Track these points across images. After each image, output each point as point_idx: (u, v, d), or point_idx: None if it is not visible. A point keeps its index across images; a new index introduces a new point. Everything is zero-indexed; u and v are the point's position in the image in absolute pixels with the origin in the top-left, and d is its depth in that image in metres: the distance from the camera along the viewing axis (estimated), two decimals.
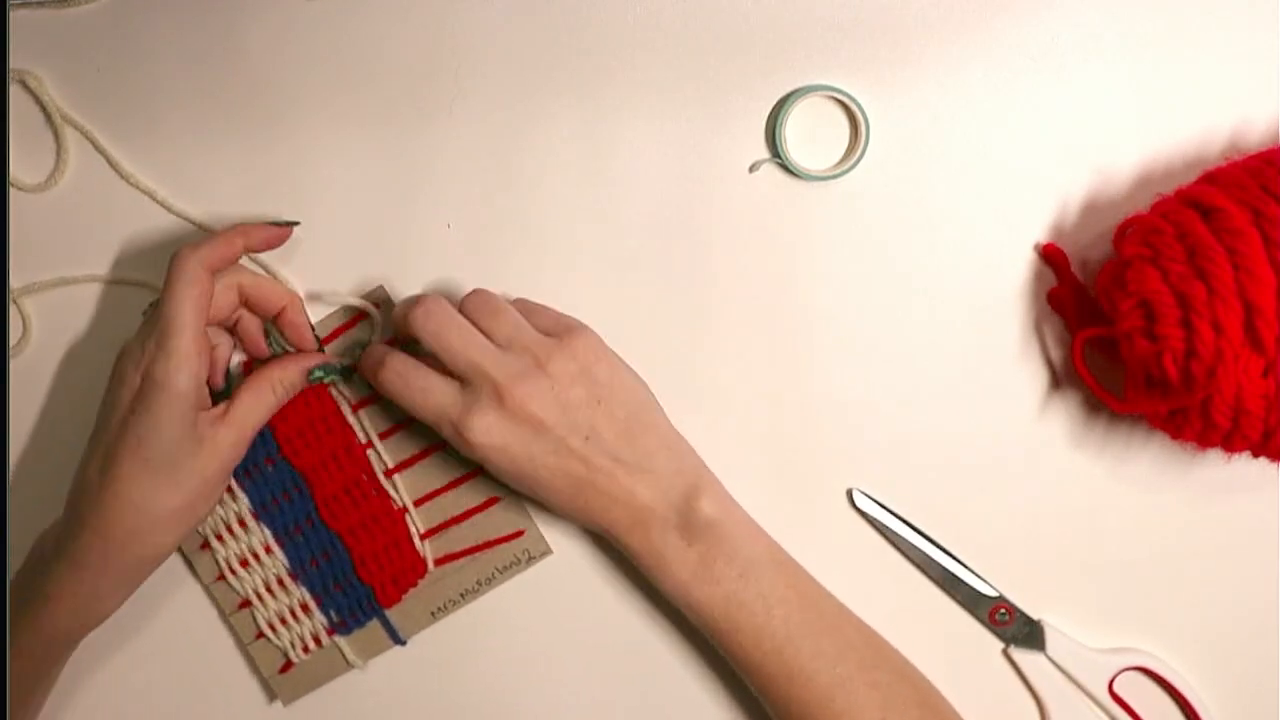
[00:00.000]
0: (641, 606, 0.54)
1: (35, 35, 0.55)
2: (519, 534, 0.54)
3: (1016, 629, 0.53)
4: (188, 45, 0.55)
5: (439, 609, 0.54)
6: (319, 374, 0.52)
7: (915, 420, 0.54)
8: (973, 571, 0.53)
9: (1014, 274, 0.53)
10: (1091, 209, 0.53)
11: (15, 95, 0.54)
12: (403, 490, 0.54)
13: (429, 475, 0.54)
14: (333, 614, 0.54)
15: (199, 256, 0.48)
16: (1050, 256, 0.53)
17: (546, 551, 0.54)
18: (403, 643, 0.54)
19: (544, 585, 0.54)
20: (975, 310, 0.53)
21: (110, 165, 0.54)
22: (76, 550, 0.48)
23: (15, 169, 0.55)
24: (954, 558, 0.53)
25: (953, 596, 0.53)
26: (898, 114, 0.53)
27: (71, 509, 0.49)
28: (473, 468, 0.54)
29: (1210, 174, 0.48)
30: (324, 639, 0.54)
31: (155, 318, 0.48)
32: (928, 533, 0.53)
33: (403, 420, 0.54)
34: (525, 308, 0.52)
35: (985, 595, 0.53)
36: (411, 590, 0.54)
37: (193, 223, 0.54)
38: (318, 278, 0.54)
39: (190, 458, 0.48)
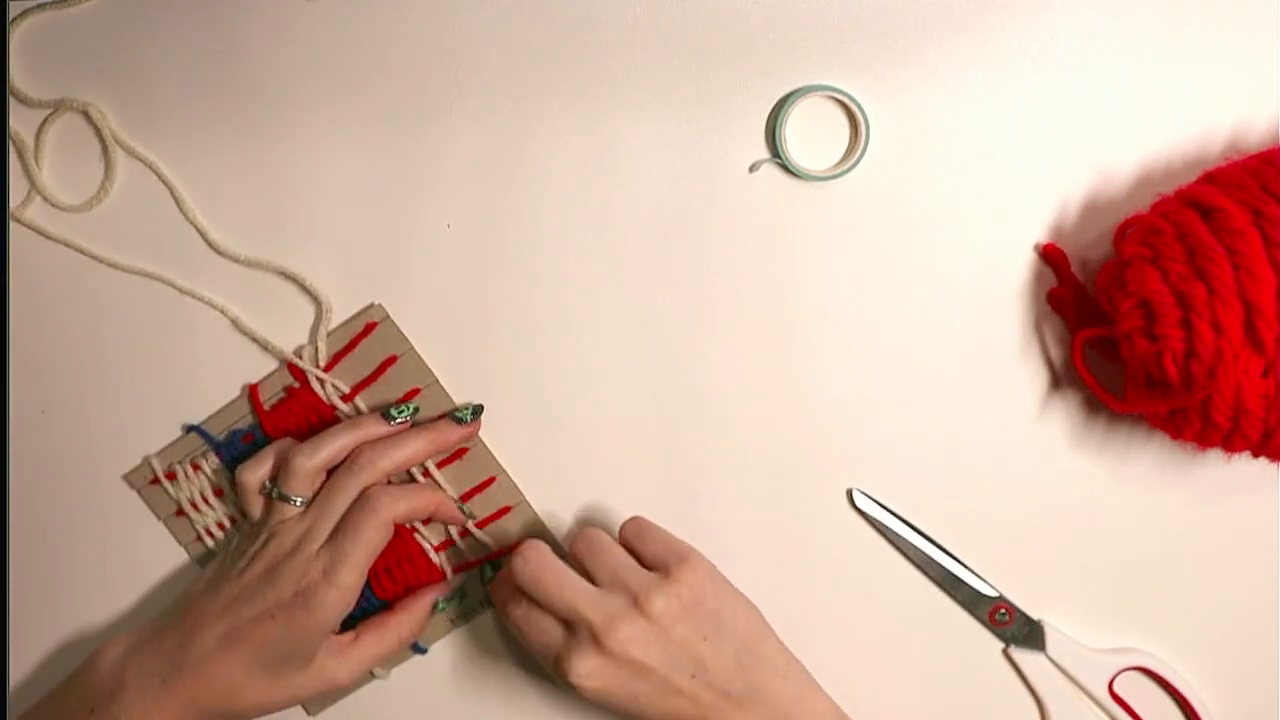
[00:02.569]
0: None
1: (35, 35, 0.55)
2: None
3: (1016, 629, 0.53)
4: (187, 45, 0.55)
5: (457, 617, 0.55)
6: (441, 606, 0.54)
7: (915, 420, 0.53)
8: (973, 571, 0.53)
9: (1014, 274, 0.53)
10: (1091, 209, 0.53)
11: (79, 125, 0.55)
12: None
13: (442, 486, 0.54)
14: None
15: (397, 511, 0.50)
16: (1050, 256, 0.53)
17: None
18: (423, 651, 0.55)
19: None
20: (975, 310, 0.53)
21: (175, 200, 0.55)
22: (163, 691, 0.48)
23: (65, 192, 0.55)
24: (954, 558, 0.53)
25: (953, 596, 0.53)
26: (898, 114, 0.53)
27: (173, 650, 0.49)
28: (482, 479, 0.54)
29: (1210, 174, 0.48)
30: None
31: (328, 535, 0.50)
32: (928, 533, 0.53)
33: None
34: (637, 531, 0.51)
35: (985, 595, 0.53)
36: None
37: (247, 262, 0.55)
38: (317, 278, 0.54)
39: (298, 673, 0.49)
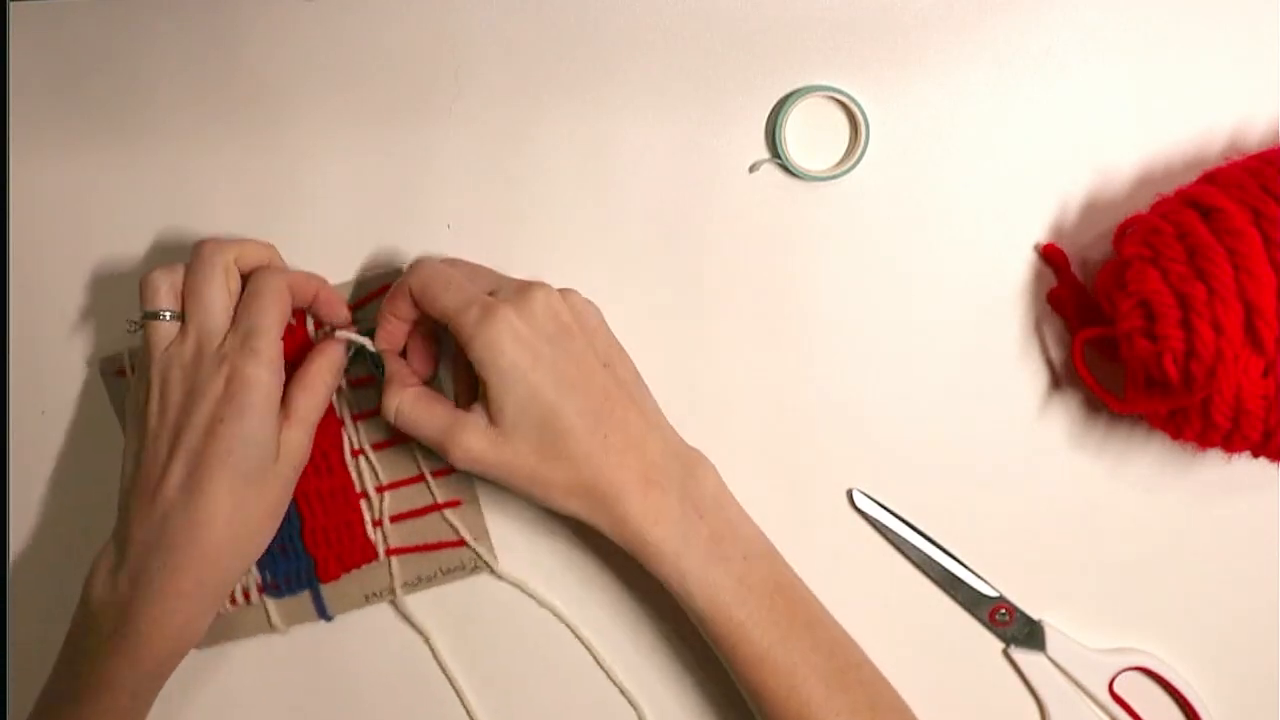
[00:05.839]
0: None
1: (35, 33, 0.55)
2: (473, 540, 0.54)
3: (1016, 629, 0.53)
4: (187, 45, 0.55)
5: (373, 595, 0.54)
6: (353, 348, 0.52)
7: (915, 420, 0.53)
8: (973, 571, 0.53)
9: (1014, 274, 0.53)
10: (1091, 209, 0.53)
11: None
12: (366, 473, 0.54)
13: (399, 463, 0.54)
14: (268, 574, 0.53)
15: (286, 279, 0.49)
16: (1050, 256, 0.53)
17: (493, 565, 0.54)
18: (329, 618, 0.54)
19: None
20: (975, 310, 0.53)
21: None
22: (168, 579, 0.46)
23: None
24: (954, 558, 0.53)
25: (953, 596, 0.53)
26: (898, 114, 0.53)
27: (150, 534, 0.47)
28: (444, 464, 0.52)
29: (1210, 174, 0.48)
30: (254, 595, 0.53)
31: (229, 326, 0.48)
32: (928, 533, 0.53)
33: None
34: None
35: (985, 595, 0.53)
36: (354, 570, 0.54)
37: None
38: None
39: (273, 462, 0.48)
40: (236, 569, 0.48)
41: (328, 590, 0.54)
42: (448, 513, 0.54)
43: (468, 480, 0.54)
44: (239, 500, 0.47)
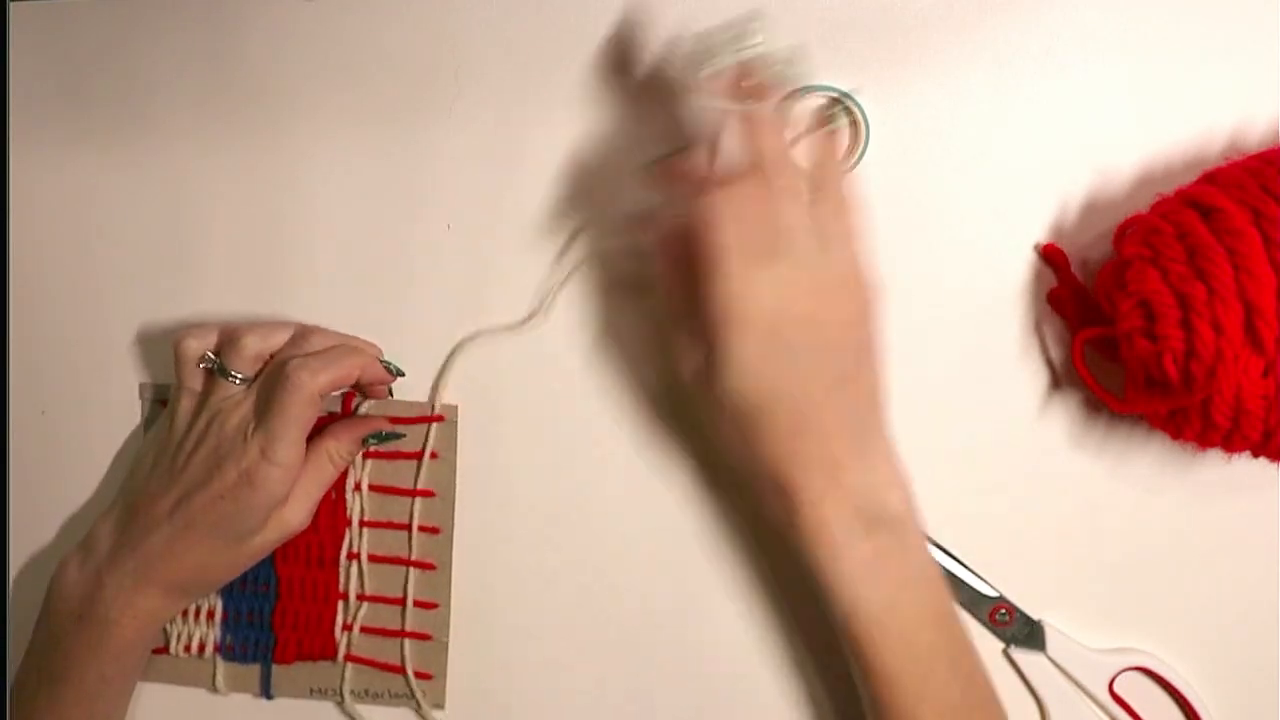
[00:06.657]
0: None
1: (35, 33, 0.55)
2: (427, 676, 0.54)
3: (1016, 629, 0.53)
4: (188, 45, 0.55)
5: (317, 690, 0.55)
6: (373, 441, 0.53)
7: (915, 420, 0.53)
8: (973, 571, 0.53)
9: (1014, 274, 0.53)
10: (1091, 209, 0.53)
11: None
12: (354, 578, 0.54)
13: (389, 580, 0.54)
14: (229, 636, 0.55)
15: (319, 383, 0.49)
16: (1050, 256, 0.53)
17: (439, 705, 0.54)
18: (269, 697, 0.55)
19: None
20: (975, 310, 0.53)
21: None
22: (138, 580, 0.50)
23: None
24: (954, 558, 0.53)
25: (953, 596, 0.53)
26: (898, 114, 0.53)
27: (130, 539, 0.50)
28: (435, 596, 0.54)
29: (1210, 174, 0.48)
30: (208, 650, 0.55)
31: (257, 415, 0.49)
32: (927, 533, 0.53)
33: (397, 520, 0.54)
34: None
35: (985, 595, 0.53)
36: (309, 661, 0.54)
37: None
38: (317, 280, 0.55)
39: (258, 534, 0.50)
40: (198, 593, 0.53)
41: (278, 671, 0.54)
42: (408, 642, 0.54)
43: (445, 617, 0.54)
44: (213, 554, 0.50)
